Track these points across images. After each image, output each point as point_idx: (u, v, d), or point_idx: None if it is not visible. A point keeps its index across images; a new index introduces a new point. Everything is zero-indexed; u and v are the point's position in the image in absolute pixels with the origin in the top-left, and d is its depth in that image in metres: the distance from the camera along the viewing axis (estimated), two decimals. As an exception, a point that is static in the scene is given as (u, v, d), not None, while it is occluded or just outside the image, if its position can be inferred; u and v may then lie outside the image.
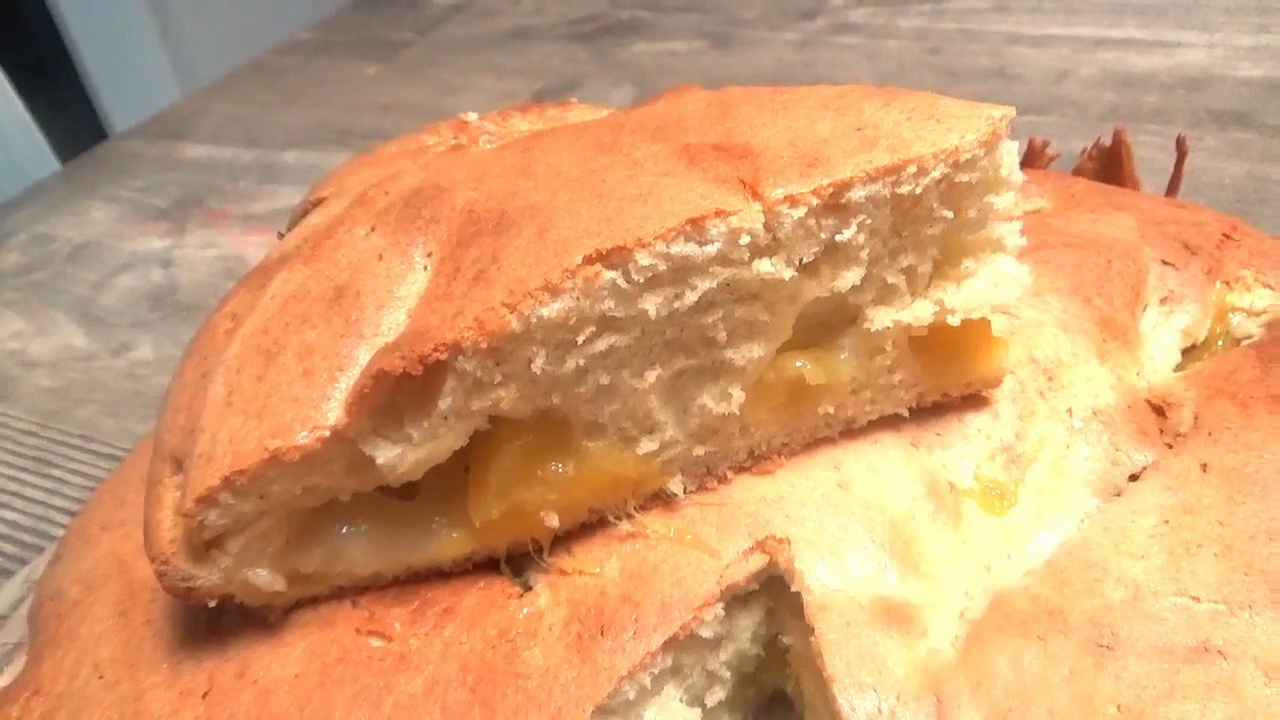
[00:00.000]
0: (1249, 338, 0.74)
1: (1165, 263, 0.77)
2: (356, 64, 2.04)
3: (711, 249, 0.53)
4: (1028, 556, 0.60)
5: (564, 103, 0.83)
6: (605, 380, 0.56)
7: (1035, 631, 0.55)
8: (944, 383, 0.66)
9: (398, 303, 0.56)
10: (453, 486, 0.59)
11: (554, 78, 1.84)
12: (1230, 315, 0.76)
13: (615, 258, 0.51)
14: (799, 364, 0.62)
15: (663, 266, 0.53)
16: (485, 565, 0.63)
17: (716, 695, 0.64)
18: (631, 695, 0.57)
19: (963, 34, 1.71)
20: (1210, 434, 0.64)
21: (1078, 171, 1.00)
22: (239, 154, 1.75)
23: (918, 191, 0.56)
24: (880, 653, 0.55)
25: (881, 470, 0.64)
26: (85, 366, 1.26)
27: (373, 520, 0.60)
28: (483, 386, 0.53)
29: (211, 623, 0.61)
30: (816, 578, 0.58)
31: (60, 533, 0.97)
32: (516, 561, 0.63)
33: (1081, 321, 0.72)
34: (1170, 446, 0.65)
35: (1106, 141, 0.99)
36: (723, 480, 0.64)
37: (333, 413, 0.52)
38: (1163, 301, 0.76)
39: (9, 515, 1.03)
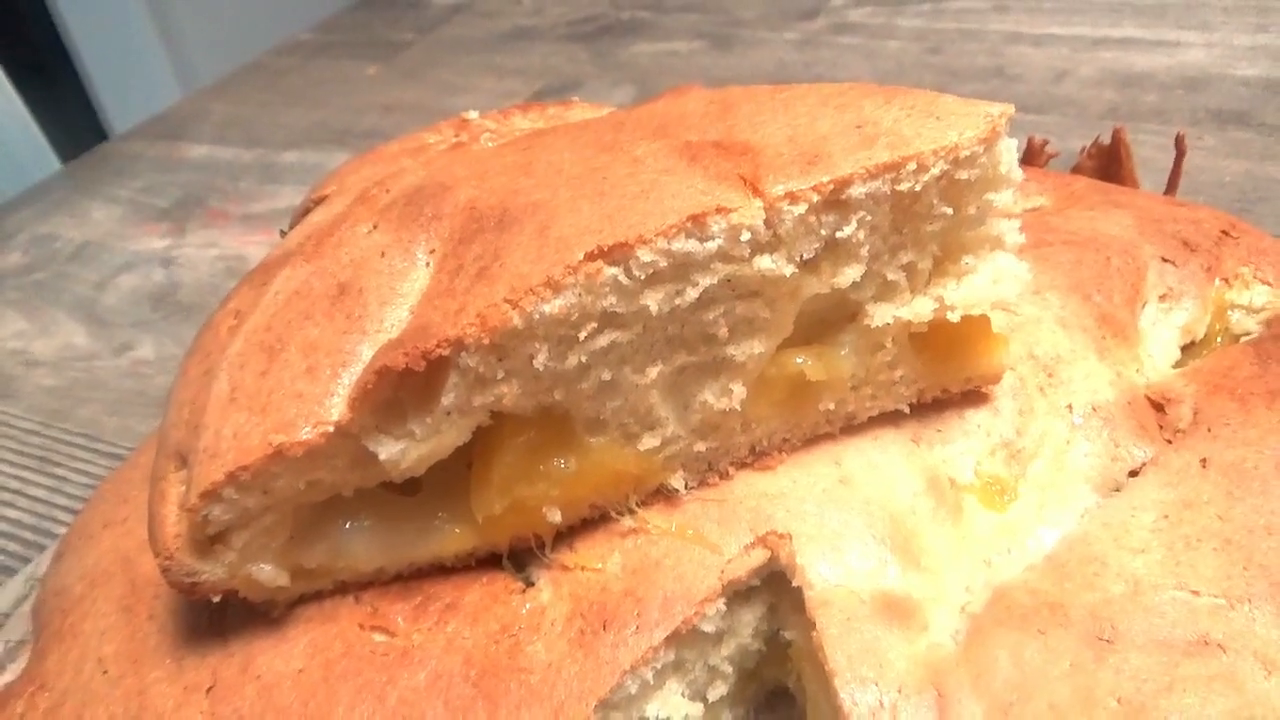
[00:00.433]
0: (1248, 334, 0.75)
1: (1164, 260, 0.78)
2: (357, 64, 2.04)
3: (712, 245, 0.53)
4: (1028, 551, 0.60)
5: (565, 101, 0.84)
6: (607, 376, 0.57)
7: (1036, 625, 0.55)
8: (944, 379, 0.66)
9: (400, 299, 0.57)
10: (455, 482, 0.59)
11: (554, 78, 1.84)
12: (1229, 312, 0.77)
13: (617, 254, 0.52)
14: (800, 360, 0.62)
15: (664, 263, 0.53)
16: (488, 561, 0.63)
17: (718, 690, 0.64)
18: (634, 690, 0.57)
19: (962, 34, 1.71)
20: (1209, 430, 0.65)
21: (1077, 170, 1.01)
22: (240, 154, 1.75)
23: (918, 188, 0.56)
24: (881, 647, 0.55)
25: (882, 466, 0.64)
26: (87, 366, 1.26)
27: (376, 516, 0.60)
28: (485, 382, 0.53)
29: (215, 618, 0.61)
30: (818, 573, 0.59)
31: (63, 531, 0.97)
32: (519, 557, 0.63)
33: (1081, 318, 0.72)
34: (1170, 442, 0.65)
35: (1106, 140, 0.99)
36: (724, 476, 0.65)
37: (336, 409, 0.53)
38: (1162, 298, 0.76)
39: (12, 514, 1.04)
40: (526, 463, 0.58)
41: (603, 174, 0.57)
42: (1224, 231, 0.81)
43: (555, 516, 0.60)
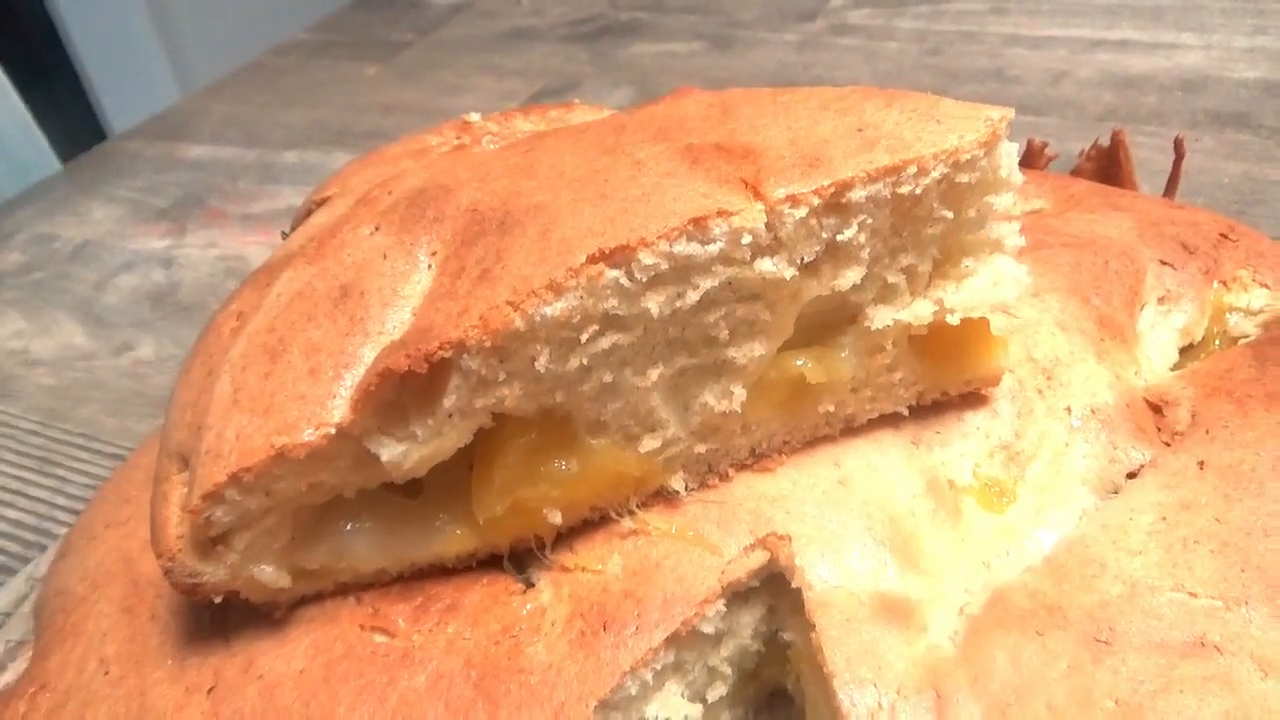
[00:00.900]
0: (1246, 337, 0.75)
1: (1163, 263, 0.78)
2: (356, 64, 2.04)
3: (714, 248, 0.54)
4: (1026, 553, 0.61)
5: (567, 103, 0.84)
6: (608, 378, 0.57)
7: (1034, 627, 0.56)
8: (943, 381, 0.67)
9: (402, 301, 0.57)
10: (457, 484, 0.60)
11: (554, 78, 1.84)
12: (1227, 315, 0.77)
13: (618, 257, 0.52)
14: (800, 362, 0.62)
15: (665, 266, 0.53)
16: (488, 562, 0.63)
17: (718, 691, 0.64)
18: (634, 691, 0.57)
19: (961, 35, 1.71)
20: (1207, 432, 0.65)
21: (1076, 172, 1.01)
22: (239, 154, 1.75)
23: (918, 192, 0.57)
24: (880, 648, 0.56)
25: (881, 468, 0.64)
26: (87, 366, 1.26)
27: (377, 517, 0.60)
28: (487, 384, 0.53)
29: (217, 619, 0.61)
30: (817, 574, 0.59)
31: (63, 531, 0.97)
32: (519, 558, 0.63)
33: (1080, 321, 0.72)
34: (1168, 444, 0.65)
35: (1104, 142, 1.00)
36: (724, 478, 0.65)
37: (338, 410, 0.53)
38: (1160, 301, 0.76)
39: (12, 514, 1.04)
40: (527, 464, 0.59)
41: (604, 177, 0.57)
42: (1222, 234, 0.81)
43: (556, 518, 0.60)
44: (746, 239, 0.54)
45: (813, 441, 0.66)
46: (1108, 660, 0.53)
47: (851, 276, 0.58)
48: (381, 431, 0.54)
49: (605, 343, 0.55)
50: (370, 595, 0.62)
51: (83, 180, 1.74)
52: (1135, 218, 0.83)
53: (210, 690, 0.58)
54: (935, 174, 0.56)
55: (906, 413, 0.67)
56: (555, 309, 0.52)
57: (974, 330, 0.64)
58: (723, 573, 0.59)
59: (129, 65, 2.31)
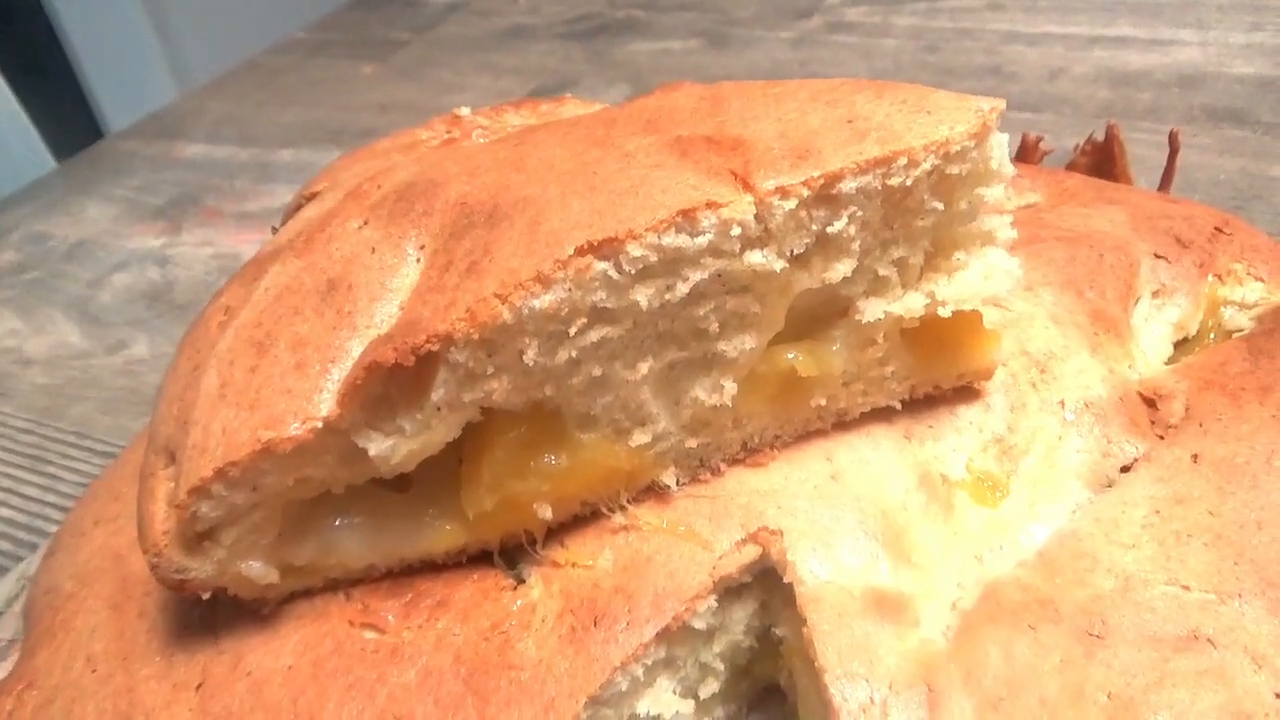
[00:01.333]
0: (1240, 330, 0.75)
1: (1157, 256, 0.78)
2: (353, 63, 2.04)
3: (703, 240, 0.53)
4: (1019, 547, 0.60)
5: (558, 98, 0.84)
6: (597, 372, 0.57)
7: (1026, 621, 0.55)
8: (936, 375, 0.66)
9: (390, 295, 0.56)
10: (446, 479, 0.59)
11: (550, 77, 1.84)
12: (1221, 308, 0.77)
13: (607, 249, 0.52)
14: (791, 356, 0.62)
15: (654, 258, 0.53)
16: (478, 558, 0.63)
17: (710, 687, 0.64)
18: (624, 686, 0.57)
19: (958, 32, 1.71)
20: (1201, 425, 0.65)
21: (1071, 167, 1.01)
22: (235, 153, 1.75)
23: (908, 183, 0.56)
24: (872, 643, 0.55)
25: (873, 462, 0.64)
26: (81, 364, 1.26)
27: (366, 512, 0.60)
28: (475, 378, 0.53)
29: (205, 615, 0.61)
30: (809, 569, 0.59)
31: (55, 529, 0.97)
32: (510, 554, 0.63)
33: (1074, 314, 0.72)
34: (1161, 438, 0.65)
35: (1100, 137, 0.99)
36: (715, 472, 0.64)
37: (325, 404, 0.53)
38: (1154, 295, 0.76)
39: (4, 512, 1.03)
40: (517, 459, 0.58)
41: (593, 169, 0.57)
42: (1217, 228, 0.81)
43: (546, 513, 0.60)
44: (736, 231, 0.53)
45: (804, 436, 0.66)
46: (1100, 654, 0.53)
47: (842, 269, 0.58)
48: (369, 426, 0.53)
49: (594, 336, 0.55)
50: (359, 591, 0.62)
51: (78, 179, 1.73)
52: (1129, 211, 0.83)
53: (199, 687, 0.58)
54: (926, 165, 0.56)
55: (899, 406, 0.67)
56: (543, 301, 0.51)
57: (966, 323, 0.63)
58: (714, 568, 0.59)
59: (125, 64, 2.31)
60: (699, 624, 0.59)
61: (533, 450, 0.59)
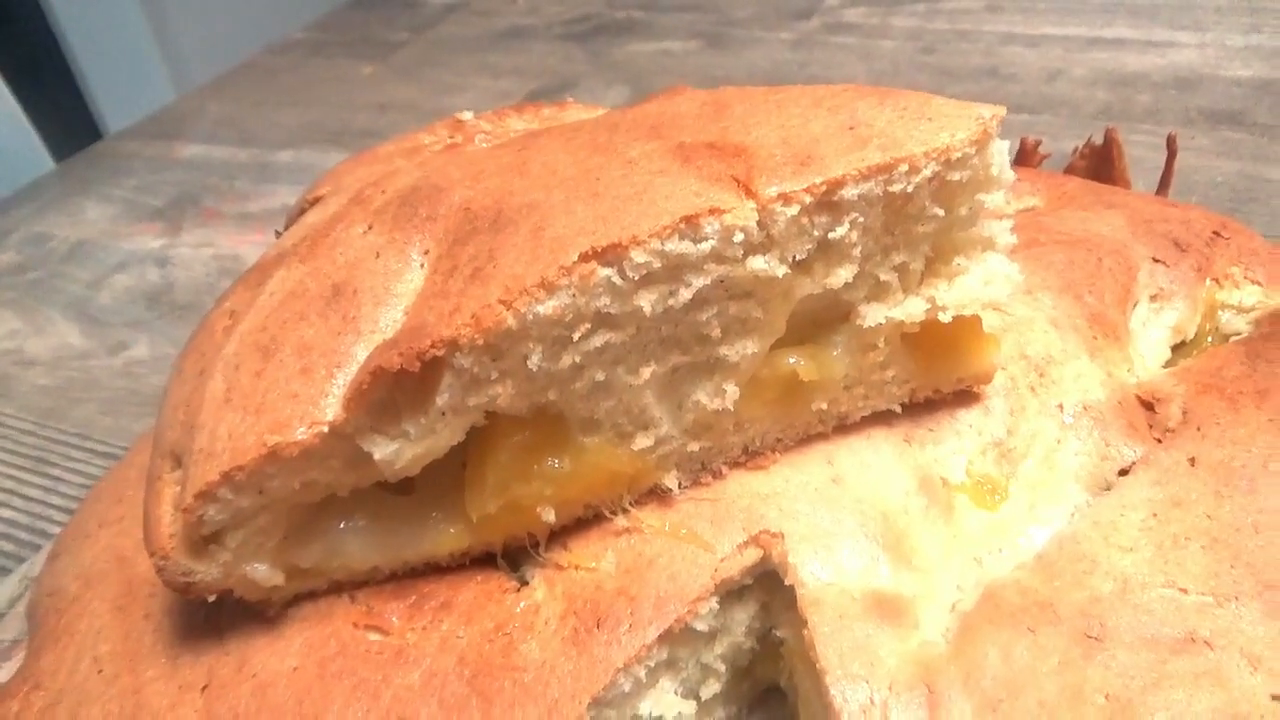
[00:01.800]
0: (1237, 334, 0.75)
1: (1156, 260, 0.78)
2: (352, 64, 2.04)
3: (706, 246, 0.54)
4: (1018, 550, 0.61)
5: (560, 102, 0.84)
6: (601, 377, 0.57)
7: (1025, 623, 0.56)
8: (936, 379, 0.67)
9: (395, 300, 0.57)
10: (450, 482, 0.60)
11: (549, 77, 1.84)
12: (1219, 312, 0.77)
13: (611, 255, 0.52)
14: (792, 360, 0.62)
15: (657, 264, 0.53)
16: (482, 560, 0.63)
17: (711, 688, 0.64)
18: (627, 688, 0.58)
19: (956, 34, 1.72)
20: (1199, 429, 0.65)
21: (1069, 170, 1.01)
22: (234, 153, 1.75)
23: (910, 190, 0.57)
24: (872, 645, 0.56)
25: (874, 465, 0.65)
26: (82, 365, 1.26)
27: (370, 516, 0.60)
28: (479, 383, 0.53)
29: (210, 617, 0.61)
30: (810, 571, 0.59)
31: (57, 530, 0.97)
32: (513, 556, 0.63)
33: (1073, 318, 0.72)
34: (1159, 441, 0.65)
35: (1098, 140, 1.00)
36: (717, 476, 0.65)
37: (331, 409, 0.53)
38: (1153, 298, 0.76)
39: (6, 513, 1.04)
40: (521, 462, 0.59)
41: (597, 175, 0.57)
42: (1215, 232, 0.81)
43: (549, 516, 0.60)
44: (738, 237, 0.54)
45: (806, 439, 0.66)
46: (1099, 656, 0.54)
47: (843, 274, 0.58)
48: (374, 430, 0.54)
49: (598, 341, 0.55)
50: (364, 593, 0.62)
51: (77, 179, 1.73)
52: (1128, 215, 0.83)
53: (204, 688, 0.58)
54: (927, 172, 0.56)
55: (899, 410, 0.67)
56: (547, 307, 0.52)
57: (966, 328, 0.64)
58: (716, 570, 0.60)
59: (124, 64, 2.31)
60: (701, 626, 0.60)
61: (536, 454, 0.59)
